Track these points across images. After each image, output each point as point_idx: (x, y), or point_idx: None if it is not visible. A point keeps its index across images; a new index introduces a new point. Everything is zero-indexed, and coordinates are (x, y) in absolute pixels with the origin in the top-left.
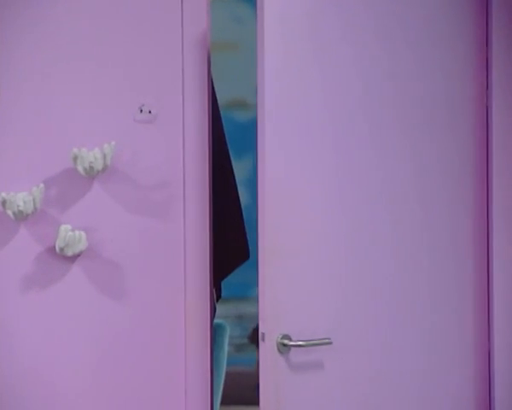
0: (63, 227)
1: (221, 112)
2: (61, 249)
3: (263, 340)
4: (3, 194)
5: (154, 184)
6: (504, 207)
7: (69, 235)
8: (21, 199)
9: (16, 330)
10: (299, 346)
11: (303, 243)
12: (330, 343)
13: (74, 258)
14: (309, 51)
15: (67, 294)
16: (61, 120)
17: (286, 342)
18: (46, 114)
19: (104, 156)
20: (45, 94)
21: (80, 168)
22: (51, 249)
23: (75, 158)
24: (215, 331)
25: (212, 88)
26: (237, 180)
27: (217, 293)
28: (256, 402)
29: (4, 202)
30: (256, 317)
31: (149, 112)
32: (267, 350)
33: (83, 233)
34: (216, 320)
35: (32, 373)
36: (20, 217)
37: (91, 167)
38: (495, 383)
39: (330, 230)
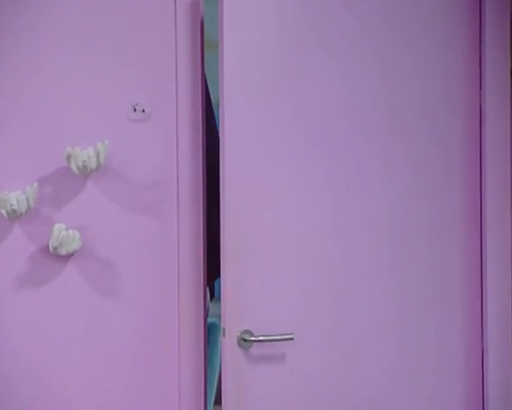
0: (57, 226)
1: (215, 111)
2: (55, 248)
3: (223, 335)
4: None
5: (147, 183)
6: (497, 204)
7: (63, 234)
8: (15, 198)
9: (10, 330)
10: (260, 341)
11: (263, 239)
12: (292, 339)
13: (68, 257)
14: (275, 50)
15: (61, 293)
16: (54, 118)
17: (246, 337)
18: (40, 113)
19: (98, 155)
20: (38, 93)
21: (74, 167)
22: (45, 249)
23: (69, 157)
24: (209, 330)
25: (206, 87)
26: None
27: (210, 292)
28: None
29: None
30: None
31: (143, 111)
32: (227, 345)
33: (76, 232)
34: (209, 319)
35: (26, 372)
36: (14, 216)
37: (85, 166)
38: (488, 383)
39: (291, 227)
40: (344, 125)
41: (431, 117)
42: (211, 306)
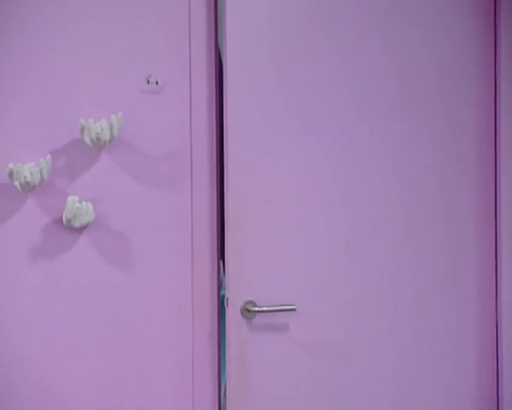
0: (70, 198)
1: None
2: (69, 221)
3: (227, 305)
4: (10, 165)
5: (161, 155)
6: None
7: (76, 206)
8: (28, 170)
9: (24, 301)
10: (263, 312)
11: (267, 211)
12: (294, 310)
13: (81, 229)
14: (282, 32)
15: (75, 265)
16: (67, 90)
17: (249, 307)
18: (53, 86)
19: (111, 127)
20: (52, 65)
21: (87, 139)
22: (58, 221)
23: (82, 129)
24: (222, 303)
25: (219, 58)
26: None
27: (224, 265)
28: None
29: (11, 174)
30: None
31: (156, 83)
32: (230, 315)
33: (90, 204)
34: (223, 291)
35: (40, 342)
36: (27, 188)
37: (98, 138)
38: (502, 379)
39: (295, 198)
40: (354, 109)
41: (444, 106)
42: (224, 279)
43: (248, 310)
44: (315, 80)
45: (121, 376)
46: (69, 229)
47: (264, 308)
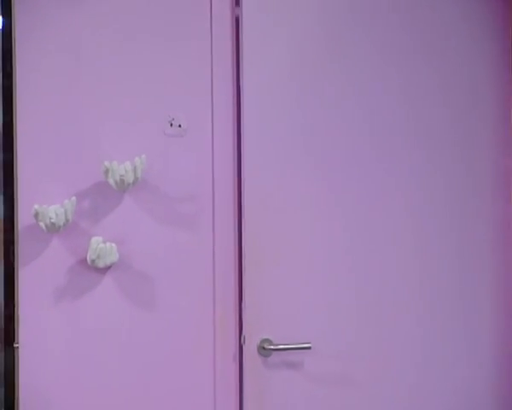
0: (94, 239)
1: None
2: (93, 261)
3: (243, 342)
4: (36, 206)
5: (183, 196)
6: None
7: (100, 247)
8: (54, 211)
9: (50, 341)
10: (279, 350)
11: (284, 250)
12: (309, 348)
13: (105, 269)
14: (294, 67)
15: (99, 304)
16: (92, 133)
17: (266, 345)
18: (78, 129)
19: (135, 169)
20: (77, 107)
21: (111, 181)
22: (83, 261)
23: (106, 171)
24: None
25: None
26: None
27: None
28: None
29: (37, 215)
30: None
31: (179, 126)
32: (247, 353)
33: (114, 245)
34: None
35: (65, 380)
36: (53, 229)
37: (122, 180)
38: None
39: (311, 238)
40: (366, 136)
41: (458, 123)
42: None
43: (264, 348)
44: (334, 121)
45: None
46: (93, 269)
47: (280, 346)
